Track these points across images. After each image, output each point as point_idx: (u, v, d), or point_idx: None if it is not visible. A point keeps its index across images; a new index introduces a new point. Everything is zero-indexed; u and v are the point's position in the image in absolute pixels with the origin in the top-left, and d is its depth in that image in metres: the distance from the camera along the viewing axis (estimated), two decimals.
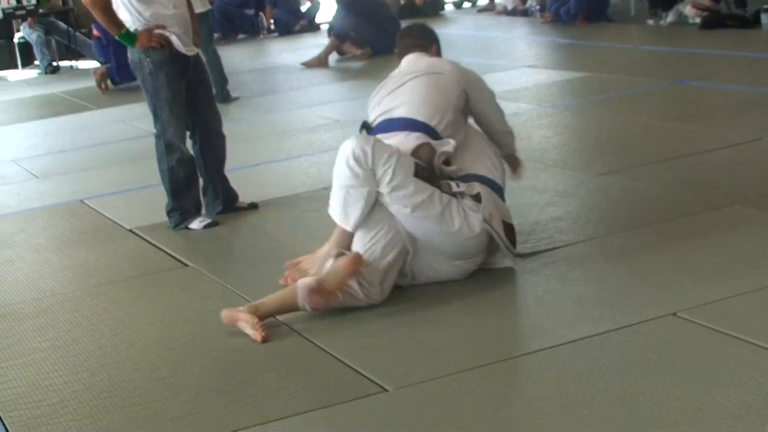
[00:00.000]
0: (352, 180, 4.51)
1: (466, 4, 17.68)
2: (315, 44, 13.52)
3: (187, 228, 6.02)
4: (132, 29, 5.85)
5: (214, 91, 10.13)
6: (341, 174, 4.56)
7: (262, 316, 4.35)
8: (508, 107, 8.37)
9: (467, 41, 13.56)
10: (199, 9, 9.98)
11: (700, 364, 3.62)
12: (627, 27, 13.25)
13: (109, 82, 12.13)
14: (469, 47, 12.91)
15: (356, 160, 4.50)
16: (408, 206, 4.51)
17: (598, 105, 8.43)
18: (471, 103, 5.02)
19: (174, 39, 5.85)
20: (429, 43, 5.43)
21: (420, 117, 4.79)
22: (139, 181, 7.31)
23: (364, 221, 4.55)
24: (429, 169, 4.61)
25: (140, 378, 4.06)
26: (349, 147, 4.55)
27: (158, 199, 6.27)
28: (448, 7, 17.49)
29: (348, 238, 4.61)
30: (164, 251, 5.69)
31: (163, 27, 5.85)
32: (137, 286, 5.19)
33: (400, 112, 4.86)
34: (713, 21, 11.91)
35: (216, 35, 15.20)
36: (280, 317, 4.47)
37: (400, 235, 4.56)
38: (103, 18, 5.85)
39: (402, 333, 4.27)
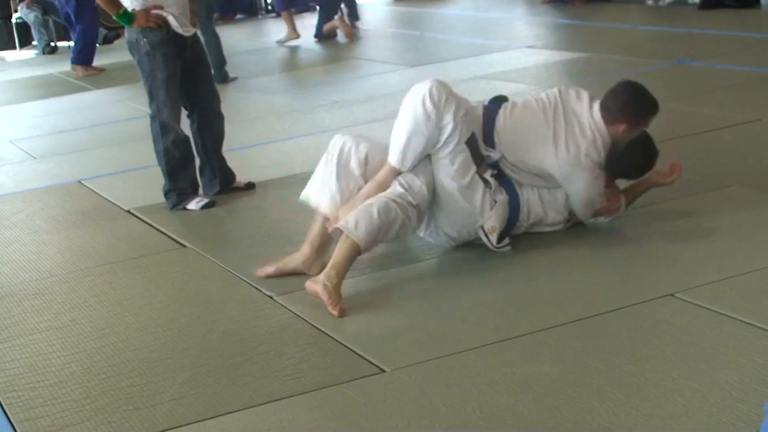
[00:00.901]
0: (422, 120, 4.53)
1: None
2: (313, 24, 13.47)
3: (184, 208, 6.01)
4: (130, 9, 5.83)
5: (212, 71, 10.18)
6: (413, 112, 4.57)
7: (339, 284, 4.34)
8: (507, 88, 8.38)
9: (466, 22, 13.54)
10: None
11: (699, 344, 3.62)
12: (626, 7, 13.22)
13: None
14: (468, 28, 12.90)
15: (433, 101, 4.54)
16: (450, 168, 4.61)
17: (598, 85, 8.37)
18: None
19: (171, 19, 5.84)
20: (617, 117, 4.79)
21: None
22: (137, 162, 7.30)
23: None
24: (477, 147, 4.68)
25: (138, 359, 4.05)
26: (426, 86, 4.59)
27: (156, 179, 6.26)
28: None
29: (393, 177, 4.63)
30: (162, 232, 5.68)
31: (161, 7, 5.84)
32: (135, 267, 5.19)
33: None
34: (713, 1, 11.88)
35: (214, 15, 15.20)
36: (279, 299, 4.47)
37: (431, 186, 4.65)
38: None
39: (399, 315, 4.26)
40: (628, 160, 4.81)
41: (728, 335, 3.65)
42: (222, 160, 6.31)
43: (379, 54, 11.90)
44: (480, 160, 4.67)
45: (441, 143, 4.58)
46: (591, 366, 3.54)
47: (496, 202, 4.70)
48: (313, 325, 4.17)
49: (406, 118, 4.59)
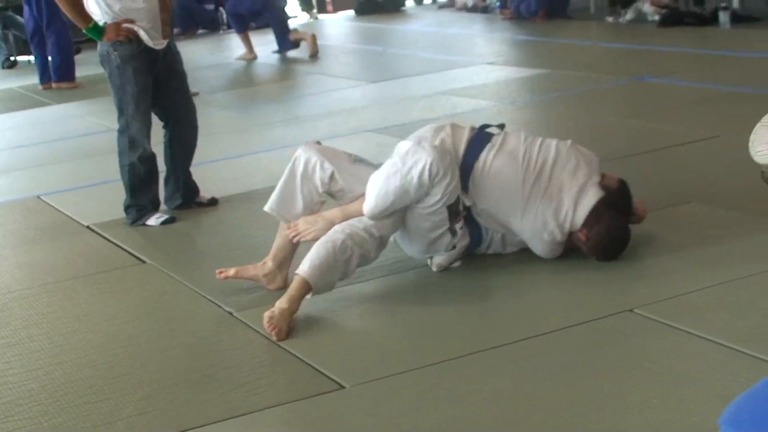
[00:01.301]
0: (413, 189, 4.41)
1: (427, 1, 17.69)
2: (272, 39, 13.46)
3: (144, 224, 5.98)
4: (101, 23, 5.81)
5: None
6: (406, 179, 4.41)
7: (287, 310, 4.27)
8: (468, 104, 8.43)
9: (428, 37, 13.59)
10: None
11: (656, 359, 3.63)
12: (587, 24, 13.32)
13: None
14: (429, 44, 12.95)
15: (430, 176, 4.40)
16: (424, 220, 4.55)
17: (559, 102, 8.46)
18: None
19: (142, 33, 5.82)
20: (587, 233, 4.63)
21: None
22: (96, 177, 7.27)
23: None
24: (457, 208, 4.58)
25: (97, 375, 4.02)
26: (428, 158, 4.40)
27: (116, 195, 6.23)
28: (409, 3, 17.50)
29: (357, 215, 4.54)
30: (122, 248, 5.65)
31: (132, 21, 5.81)
32: (94, 282, 5.16)
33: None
34: (672, 18, 11.99)
35: (176, 30, 15.17)
36: (238, 314, 4.46)
37: (398, 223, 4.61)
38: (70, 11, 5.85)
39: (360, 330, 4.26)
40: (602, 242, 4.65)
41: (686, 350, 3.67)
42: (188, 174, 6.29)
43: (341, 69, 11.91)
44: (455, 216, 4.58)
45: (423, 205, 4.50)
46: (551, 381, 3.55)
47: (455, 247, 4.70)
48: (272, 340, 4.16)
49: (397, 179, 4.42)
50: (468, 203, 4.67)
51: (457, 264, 4.80)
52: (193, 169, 6.42)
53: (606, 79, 9.19)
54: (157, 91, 5.98)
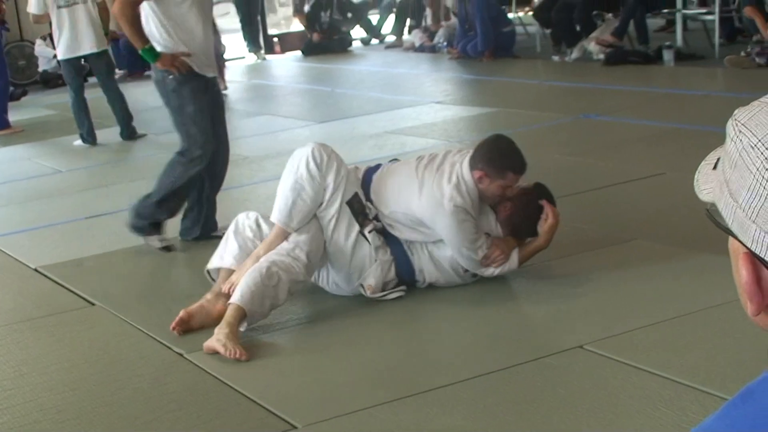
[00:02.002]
0: (306, 181, 4.71)
1: (374, 41, 17.79)
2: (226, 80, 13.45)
3: (144, 238, 5.97)
4: (158, 49, 5.82)
5: (119, 128, 10.12)
6: (296, 174, 4.74)
7: (231, 333, 4.39)
8: (416, 143, 8.46)
9: (375, 77, 13.65)
10: (90, 50, 9.95)
11: (607, 395, 3.66)
12: (533, 63, 13.45)
13: None
14: (377, 83, 13.00)
15: (315, 162, 4.73)
16: (335, 229, 4.79)
17: None
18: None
19: (195, 67, 5.84)
20: (477, 165, 4.81)
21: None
22: (44, 219, 7.21)
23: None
24: (361, 206, 4.84)
25: (46, 419, 3.99)
26: (308, 149, 4.79)
27: (64, 236, 6.19)
28: (356, 44, 17.58)
29: (283, 238, 4.72)
30: (70, 290, 5.61)
31: (188, 54, 5.82)
32: (42, 326, 5.11)
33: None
34: (617, 57, 12.13)
35: (122, 71, 15.14)
36: (189, 356, 4.44)
37: (320, 242, 4.79)
38: (129, 30, 5.84)
39: (310, 370, 4.26)
40: (515, 218, 4.88)
41: (635, 385, 3.71)
42: (212, 208, 6.23)
43: (289, 110, 11.93)
44: (363, 218, 4.81)
45: (324, 203, 4.74)
46: (502, 418, 3.57)
47: (377, 260, 4.81)
48: (223, 381, 4.14)
49: (290, 180, 4.76)
50: (372, 213, 4.85)
51: (395, 295, 4.85)
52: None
53: (551, 117, 9.28)
54: None
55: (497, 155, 4.80)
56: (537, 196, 4.90)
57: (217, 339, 4.33)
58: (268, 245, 4.74)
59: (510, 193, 4.84)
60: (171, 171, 6.02)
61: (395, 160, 5.26)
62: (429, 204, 4.75)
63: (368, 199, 4.88)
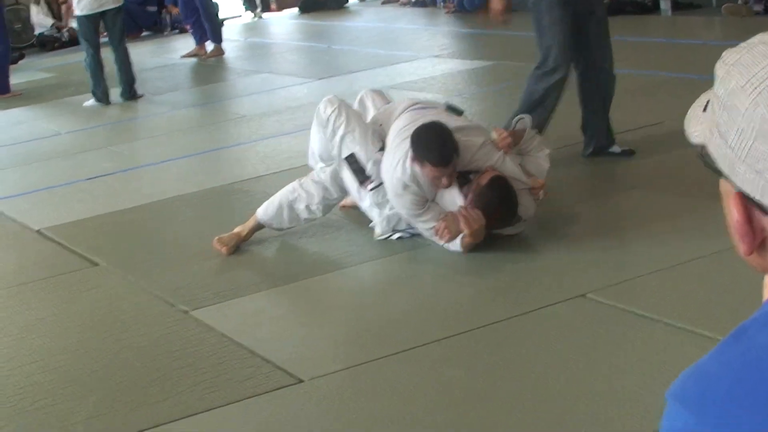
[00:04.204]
0: (321, 128, 5.13)
1: None
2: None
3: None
4: None
5: (120, 88, 10.06)
6: (319, 119, 5.18)
7: (235, 236, 5.15)
8: (415, 97, 8.43)
9: (372, 33, 13.60)
10: (112, 4, 9.90)
11: (610, 343, 3.68)
12: (529, 16, 13.36)
13: None
14: (374, 39, 12.96)
15: (318, 114, 5.16)
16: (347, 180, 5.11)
17: (505, 92, 8.50)
18: None
19: None
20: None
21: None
22: (45, 182, 7.21)
23: None
24: (357, 165, 5.01)
25: (50, 380, 4.01)
26: (323, 102, 5.23)
27: (65, 198, 6.19)
28: (352, 0, 17.50)
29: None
30: (73, 251, 5.62)
31: None
32: (45, 287, 5.12)
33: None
34: (614, 7, 12.05)
35: None
36: (193, 313, 4.46)
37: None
38: None
39: (315, 324, 4.28)
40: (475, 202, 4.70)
41: (637, 333, 3.72)
42: (603, 121, 6.09)
43: (287, 67, 11.90)
44: (362, 177, 4.98)
45: (335, 148, 5.06)
46: (503, 370, 3.59)
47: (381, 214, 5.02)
48: (228, 337, 4.16)
49: (314, 127, 5.25)
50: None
51: (398, 235, 4.97)
52: (140, 171, 6.39)
53: None
54: (572, 33, 5.85)
55: (417, 144, 4.72)
56: (495, 188, 4.70)
57: (222, 236, 5.11)
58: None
59: (481, 180, 4.73)
60: (529, 84, 5.94)
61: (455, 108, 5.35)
62: (384, 171, 4.88)
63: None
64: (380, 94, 5.67)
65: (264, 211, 5.18)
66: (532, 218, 4.87)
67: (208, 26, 12.86)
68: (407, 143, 4.77)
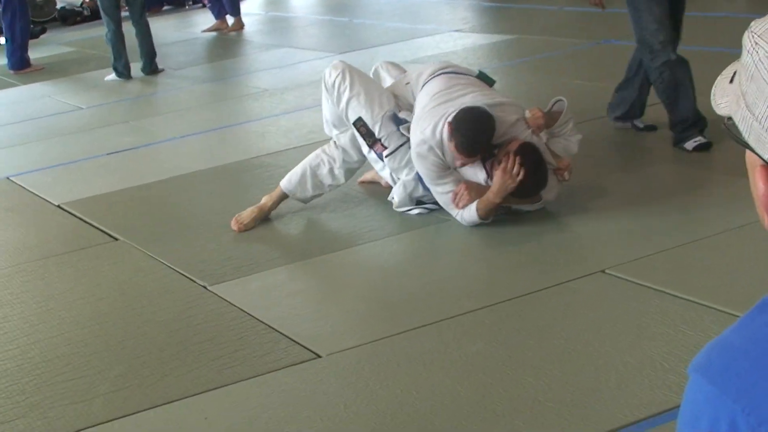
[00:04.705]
0: (324, 96, 5.21)
1: None
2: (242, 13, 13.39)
3: (682, 147, 5.58)
4: None
5: (141, 63, 10.08)
6: (325, 85, 5.24)
7: (251, 213, 5.19)
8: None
9: (393, 6, 13.55)
10: None
11: (629, 318, 3.67)
12: None
13: None
14: (395, 13, 12.91)
15: (325, 80, 5.21)
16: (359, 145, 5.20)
17: (526, 67, 8.48)
18: None
19: None
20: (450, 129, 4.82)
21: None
22: (65, 157, 7.23)
23: None
24: (365, 128, 5.04)
25: (72, 353, 4.03)
26: (329, 68, 5.32)
27: (85, 173, 6.21)
28: None
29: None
30: (94, 226, 5.63)
31: None
32: (67, 261, 5.14)
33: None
34: None
35: None
36: (212, 288, 4.47)
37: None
38: None
39: (333, 300, 4.29)
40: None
41: (657, 308, 3.72)
42: (645, 94, 5.99)
43: (308, 41, 11.88)
44: (371, 140, 5.01)
45: (342, 114, 5.11)
46: (525, 343, 3.59)
47: (399, 179, 5.02)
48: (247, 312, 4.17)
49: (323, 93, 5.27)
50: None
51: (417, 211, 4.98)
52: (162, 146, 6.38)
53: (571, 43, 9.20)
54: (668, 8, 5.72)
55: (458, 122, 4.66)
56: (527, 152, 4.67)
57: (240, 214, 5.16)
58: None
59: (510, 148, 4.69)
60: (651, 73, 5.76)
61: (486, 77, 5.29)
62: (413, 132, 4.87)
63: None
64: (396, 65, 5.67)
65: (288, 181, 5.23)
66: (554, 199, 4.84)
67: None
68: (442, 108, 4.76)
